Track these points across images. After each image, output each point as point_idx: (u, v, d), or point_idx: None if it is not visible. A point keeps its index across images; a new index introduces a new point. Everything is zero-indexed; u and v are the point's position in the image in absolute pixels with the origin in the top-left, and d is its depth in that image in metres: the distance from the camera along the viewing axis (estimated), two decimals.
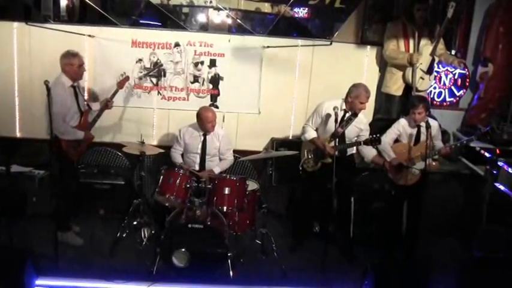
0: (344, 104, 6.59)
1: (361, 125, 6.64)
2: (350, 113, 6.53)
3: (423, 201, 6.70)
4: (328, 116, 6.62)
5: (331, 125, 6.54)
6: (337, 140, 6.36)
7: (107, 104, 6.81)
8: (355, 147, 6.71)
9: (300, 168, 6.96)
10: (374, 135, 6.39)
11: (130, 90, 7.86)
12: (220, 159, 7.16)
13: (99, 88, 7.67)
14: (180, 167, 6.83)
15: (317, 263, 6.23)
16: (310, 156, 6.82)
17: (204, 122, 6.88)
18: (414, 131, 6.76)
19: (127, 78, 7.16)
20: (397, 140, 6.91)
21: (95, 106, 6.89)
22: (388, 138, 6.87)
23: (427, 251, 6.94)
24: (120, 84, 7.01)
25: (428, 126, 6.37)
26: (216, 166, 7.03)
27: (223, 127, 7.64)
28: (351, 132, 6.62)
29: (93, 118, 6.78)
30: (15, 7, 7.85)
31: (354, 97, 6.47)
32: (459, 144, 7.03)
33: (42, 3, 7.77)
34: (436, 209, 7.28)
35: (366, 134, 6.60)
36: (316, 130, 6.80)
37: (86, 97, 6.94)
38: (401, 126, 6.84)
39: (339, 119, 6.27)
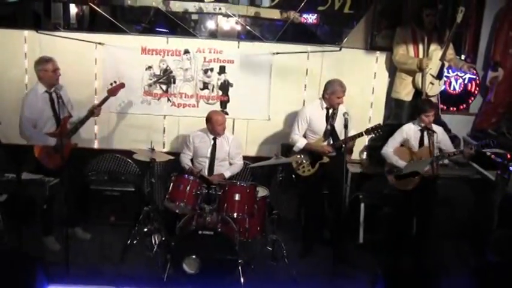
0: (323, 102, 6.75)
1: (343, 113, 6.54)
2: (332, 109, 6.70)
3: (433, 206, 6.70)
4: (313, 118, 6.79)
5: (318, 126, 6.75)
6: (330, 138, 6.67)
7: (93, 111, 6.73)
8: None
9: (293, 176, 7.00)
10: (376, 124, 6.52)
11: (140, 97, 7.88)
12: (230, 164, 7.17)
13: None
14: (190, 171, 6.86)
15: (327, 268, 6.23)
16: (305, 161, 6.84)
17: (214, 125, 6.92)
18: (418, 134, 6.77)
19: (121, 85, 7.02)
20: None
21: (82, 113, 6.82)
22: (390, 147, 6.92)
23: (438, 256, 6.92)
24: (111, 91, 6.91)
25: (430, 134, 6.46)
26: (226, 170, 7.05)
27: (233, 133, 7.64)
28: (339, 124, 6.66)
29: (75, 125, 6.73)
30: (25, 15, 7.90)
31: (330, 93, 6.67)
32: (479, 144, 6.94)
33: (52, 11, 7.86)
34: (446, 214, 7.26)
35: (351, 120, 6.58)
36: (304, 136, 6.90)
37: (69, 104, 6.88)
38: (405, 132, 6.85)
39: (323, 117, 6.67)
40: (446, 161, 6.89)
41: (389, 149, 6.92)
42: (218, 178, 6.85)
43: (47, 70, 6.45)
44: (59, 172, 6.27)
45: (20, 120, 6.46)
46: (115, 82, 6.96)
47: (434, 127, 6.75)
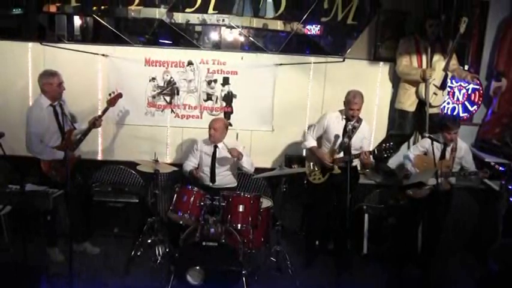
0: (342, 113, 6.75)
1: (364, 133, 6.66)
2: (353, 121, 6.59)
3: (441, 218, 6.68)
4: (330, 127, 6.76)
5: (333, 136, 6.71)
6: (341, 151, 6.62)
7: (94, 123, 6.73)
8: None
9: (305, 182, 7.00)
10: (387, 143, 6.47)
11: (144, 108, 7.90)
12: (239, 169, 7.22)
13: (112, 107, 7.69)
14: (192, 173, 6.89)
15: (331, 279, 6.22)
16: (316, 168, 6.84)
17: (208, 130, 6.97)
18: (440, 147, 6.75)
19: (119, 96, 7.03)
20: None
21: (84, 125, 6.83)
22: (413, 153, 6.98)
23: (443, 266, 6.91)
24: (111, 102, 6.93)
25: (454, 149, 6.60)
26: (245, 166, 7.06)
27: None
28: (355, 141, 6.62)
29: (79, 137, 6.73)
30: (30, 27, 7.91)
31: (345, 103, 6.66)
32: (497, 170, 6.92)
33: (56, 23, 7.88)
34: (451, 225, 7.25)
35: (367, 143, 6.57)
36: (319, 141, 6.92)
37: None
38: (428, 143, 6.81)
39: (341, 129, 6.60)
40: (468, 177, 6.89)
41: (411, 154, 6.98)
42: (237, 152, 6.87)
43: (52, 84, 6.43)
44: (63, 184, 6.26)
45: (26, 137, 6.43)
46: (113, 92, 6.98)
47: (460, 142, 6.79)
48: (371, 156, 6.47)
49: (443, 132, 6.67)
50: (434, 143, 6.44)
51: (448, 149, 6.72)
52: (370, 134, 6.64)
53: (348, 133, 6.49)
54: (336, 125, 6.73)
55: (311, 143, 6.89)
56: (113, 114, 7.60)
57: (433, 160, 6.40)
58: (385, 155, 6.55)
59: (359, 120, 6.66)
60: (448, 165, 6.64)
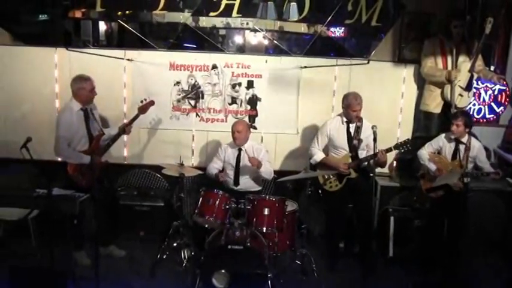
0: (343, 117, 6.84)
1: (368, 130, 6.63)
2: (354, 123, 6.73)
3: (464, 219, 6.63)
4: (334, 133, 6.84)
5: (339, 141, 6.80)
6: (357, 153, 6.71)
7: (124, 129, 6.80)
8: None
9: (320, 192, 7.01)
10: (405, 139, 6.54)
11: (169, 112, 7.94)
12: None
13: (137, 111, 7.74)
14: (216, 176, 6.95)
15: (357, 283, 6.20)
16: (332, 176, 6.83)
17: (232, 134, 6.99)
18: (453, 145, 6.72)
19: (151, 103, 7.07)
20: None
21: (113, 130, 6.92)
22: (426, 149, 6.94)
23: (470, 269, 6.85)
24: (142, 109, 6.96)
25: (467, 147, 6.44)
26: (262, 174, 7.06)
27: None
28: (366, 138, 6.72)
29: (107, 143, 6.80)
30: (55, 33, 7.99)
31: (345, 107, 6.74)
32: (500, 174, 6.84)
33: (82, 28, 7.97)
34: (479, 227, 7.19)
35: (371, 139, 6.47)
36: (325, 151, 6.99)
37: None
38: (442, 141, 6.83)
39: (345, 132, 6.76)
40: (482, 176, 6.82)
41: (424, 151, 6.97)
42: (257, 162, 6.88)
43: (84, 88, 6.52)
44: (88, 188, 6.31)
45: (55, 140, 6.52)
46: (145, 100, 7.01)
47: (473, 141, 6.72)
48: (387, 155, 6.46)
49: (451, 124, 6.67)
50: (447, 142, 6.46)
51: (462, 148, 6.66)
52: (374, 131, 6.52)
53: (355, 135, 6.67)
54: (339, 130, 6.84)
55: (320, 156, 6.95)
56: (145, 120, 7.63)
57: (446, 159, 6.45)
58: (402, 150, 6.64)
59: (360, 120, 6.75)
60: (460, 165, 6.58)
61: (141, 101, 7.00)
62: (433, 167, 6.80)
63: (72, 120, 6.48)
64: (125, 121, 7.11)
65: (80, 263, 6.60)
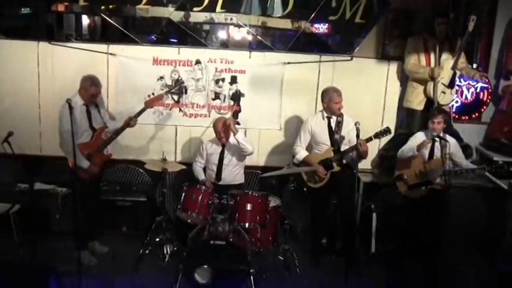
0: (324, 112, 6.84)
1: (349, 125, 6.71)
2: (334, 118, 6.76)
3: (444, 216, 6.68)
4: (316, 129, 6.86)
5: (321, 137, 6.82)
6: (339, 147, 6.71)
7: (129, 122, 6.75)
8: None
9: (305, 189, 7.02)
10: (385, 127, 6.57)
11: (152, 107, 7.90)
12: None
13: (120, 106, 7.72)
14: (203, 183, 6.87)
15: (339, 278, 6.21)
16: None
17: (214, 131, 7.00)
18: (429, 145, 6.74)
19: (159, 98, 7.10)
20: None
21: (119, 123, 6.88)
22: (404, 153, 6.91)
23: (450, 265, 6.89)
24: (149, 104, 6.91)
25: (443, 145, 6.45)
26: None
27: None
28: (348, 133, 6.77)
29: (111, 136, 6.77)
30: (38, 27, 7.94)
31: (327, 101, 6.74)
32: (486, 169, 6.89)
33: (64, 22, 7.92)
34: (459, 224, 7.23)
35: (353, 135, 6.48)
36: (308, 148, 7.00)
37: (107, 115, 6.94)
38: (418, 139, 6.83)
39: (326, 128, 6.78)
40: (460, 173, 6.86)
41: (405, 151, 6.93)
42: (233, 122, 6.91)
43: (87, 90, 6.51)
44: (90, 184, 6.31)
45: (60, 136, 6.48)
46: (153, 94, 6.99)
47: (448, 138, 6.73)
48: (367, 145, 6.47)
49: (430, 121, 6.70)
50: (423, 139, 6.51)
51: (437, 146, 6.69)
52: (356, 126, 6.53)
53: (336, 129, 6.72)
54: (320, 125, 6.85)
55: (303, 154, 6.96)
56: (122, 113, 7.59)
57: (424, 159, 6.50)
58: (381, 137, 6.68)
59: (341, 115, 6.78)
60: (441, 162, 6.59)
61: (149, 95, 6.99)
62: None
63: (75, 114, 6.42)
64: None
65: (84, 263, 6.50)
